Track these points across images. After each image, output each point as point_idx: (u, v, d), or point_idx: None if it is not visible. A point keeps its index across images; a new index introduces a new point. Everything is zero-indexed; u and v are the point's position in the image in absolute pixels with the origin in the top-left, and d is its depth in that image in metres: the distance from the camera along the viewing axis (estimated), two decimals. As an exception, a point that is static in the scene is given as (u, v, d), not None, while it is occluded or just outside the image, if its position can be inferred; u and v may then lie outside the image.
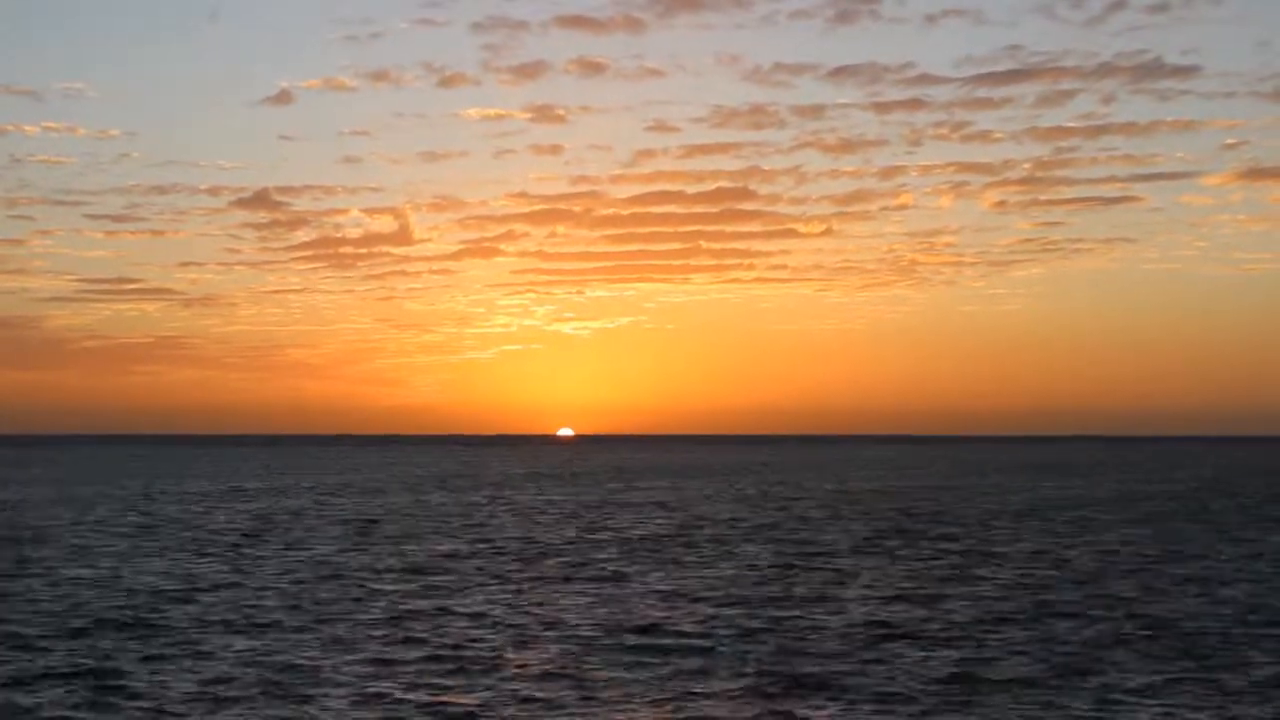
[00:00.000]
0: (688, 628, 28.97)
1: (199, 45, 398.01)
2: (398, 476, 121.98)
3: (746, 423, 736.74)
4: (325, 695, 22.47)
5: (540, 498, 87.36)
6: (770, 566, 42.43)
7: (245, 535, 54.96)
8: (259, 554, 46.53)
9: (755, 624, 29.75)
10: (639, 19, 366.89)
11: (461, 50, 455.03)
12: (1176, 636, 28.36)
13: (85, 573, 40.57)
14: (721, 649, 26.31)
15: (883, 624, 29.98)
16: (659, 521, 62.19)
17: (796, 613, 31.37)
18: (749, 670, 24.27)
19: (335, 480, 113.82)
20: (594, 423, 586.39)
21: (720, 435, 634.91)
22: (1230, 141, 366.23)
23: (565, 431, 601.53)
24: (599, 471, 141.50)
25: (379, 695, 22.59)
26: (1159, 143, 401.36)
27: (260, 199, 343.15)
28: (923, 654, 26.04)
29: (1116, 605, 33.01)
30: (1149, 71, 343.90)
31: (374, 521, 62.60)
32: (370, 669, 24.62)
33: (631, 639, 27.65)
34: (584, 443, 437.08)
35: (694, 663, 24.97)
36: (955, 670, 24.34)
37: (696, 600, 33.78)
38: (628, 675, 23.84)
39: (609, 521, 63.28)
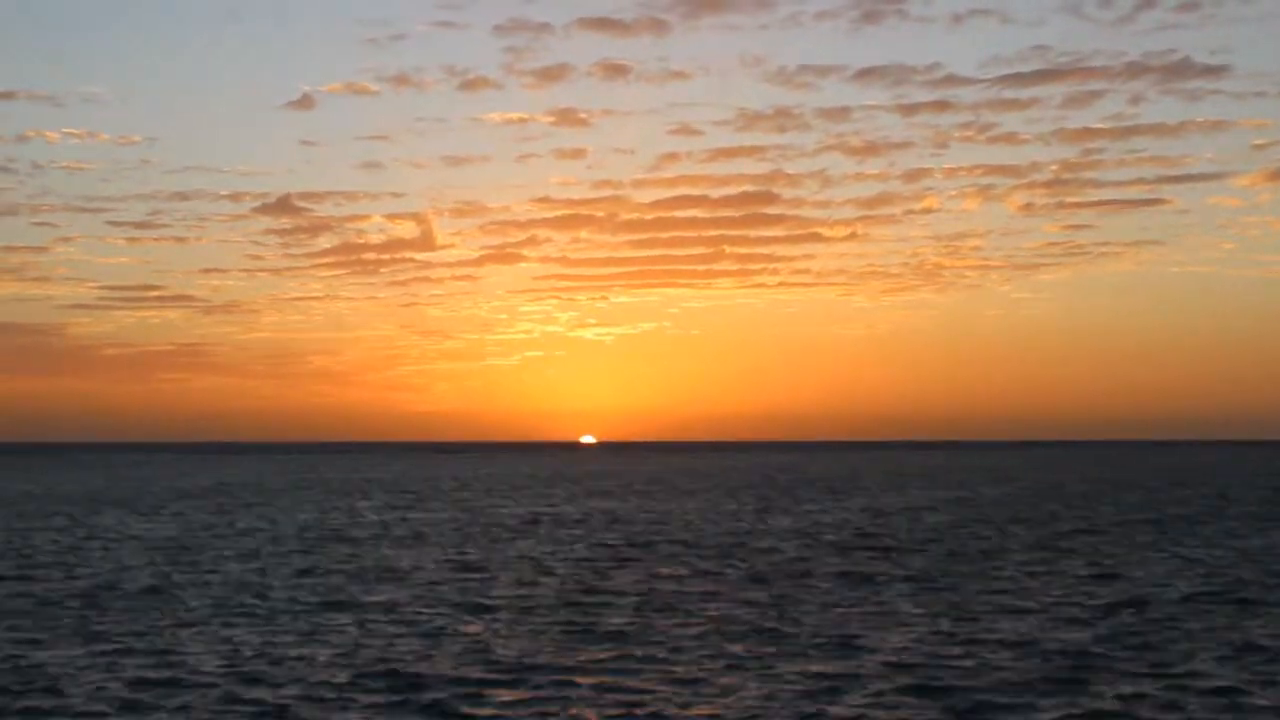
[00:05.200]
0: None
1: (220, 50, 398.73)
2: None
3: (770, 428, 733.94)
4: None
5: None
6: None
7: None
8: None
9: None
10: (663, 20, 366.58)
11: (483, 53, 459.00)
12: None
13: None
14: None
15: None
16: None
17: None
18: None
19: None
20: (617, 429, 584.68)
21: (744, 441, 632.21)
22: (1259, 142, 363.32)
23: (588, 438, 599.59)
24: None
25: None
26: (1188, 144, 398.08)
27: (282, 205, 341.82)
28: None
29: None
30: (1178, 71, 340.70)
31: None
32: None
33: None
34: (606, 449, 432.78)
35: None
36: None
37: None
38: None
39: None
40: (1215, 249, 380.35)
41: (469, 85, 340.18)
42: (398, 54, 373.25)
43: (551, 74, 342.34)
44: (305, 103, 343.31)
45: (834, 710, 22.25)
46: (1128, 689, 23.91)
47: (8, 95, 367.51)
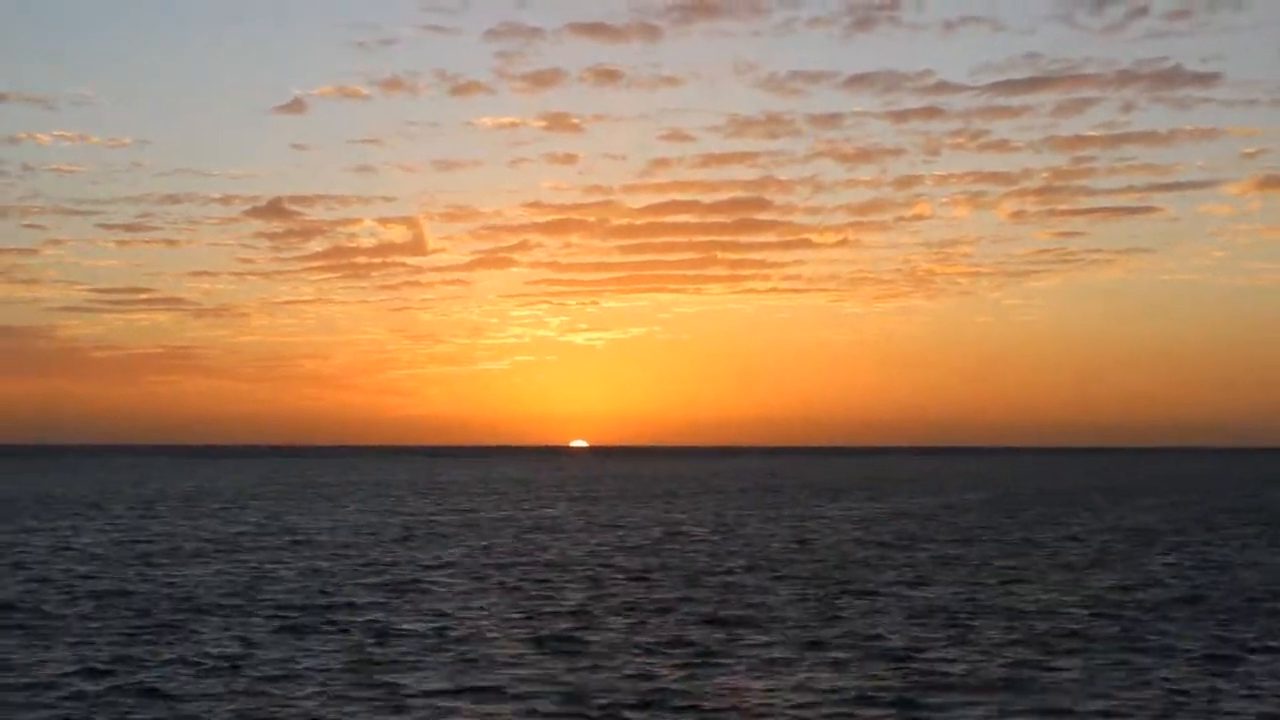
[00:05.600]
0: None
1: (211, 53, 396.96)
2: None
3: (760, 434, 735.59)
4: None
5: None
6: None
7: None
8: None
9: None
10: (655, 26, 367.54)
11: (475, 58, 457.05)
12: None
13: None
14: None
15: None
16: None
17: None
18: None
19: None
20: (608, 434, 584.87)
21: (734, 446, 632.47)
22: (1250, 150, 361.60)
23: (579, 443, 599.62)
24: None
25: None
26: (1178, 152, 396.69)
27: (273, 208, 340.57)
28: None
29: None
30: (1169, 79, 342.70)
31: None
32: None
33: None
34: (597, 454, 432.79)
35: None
36: None
37: None
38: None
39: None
40: (1205, 257, 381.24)
41: (460, 90, 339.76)
42: (389, 58, 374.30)
43: (543, 79, 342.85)
44: (296, 106, 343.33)
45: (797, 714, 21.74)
46: (1092, 694, 23.40)
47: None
